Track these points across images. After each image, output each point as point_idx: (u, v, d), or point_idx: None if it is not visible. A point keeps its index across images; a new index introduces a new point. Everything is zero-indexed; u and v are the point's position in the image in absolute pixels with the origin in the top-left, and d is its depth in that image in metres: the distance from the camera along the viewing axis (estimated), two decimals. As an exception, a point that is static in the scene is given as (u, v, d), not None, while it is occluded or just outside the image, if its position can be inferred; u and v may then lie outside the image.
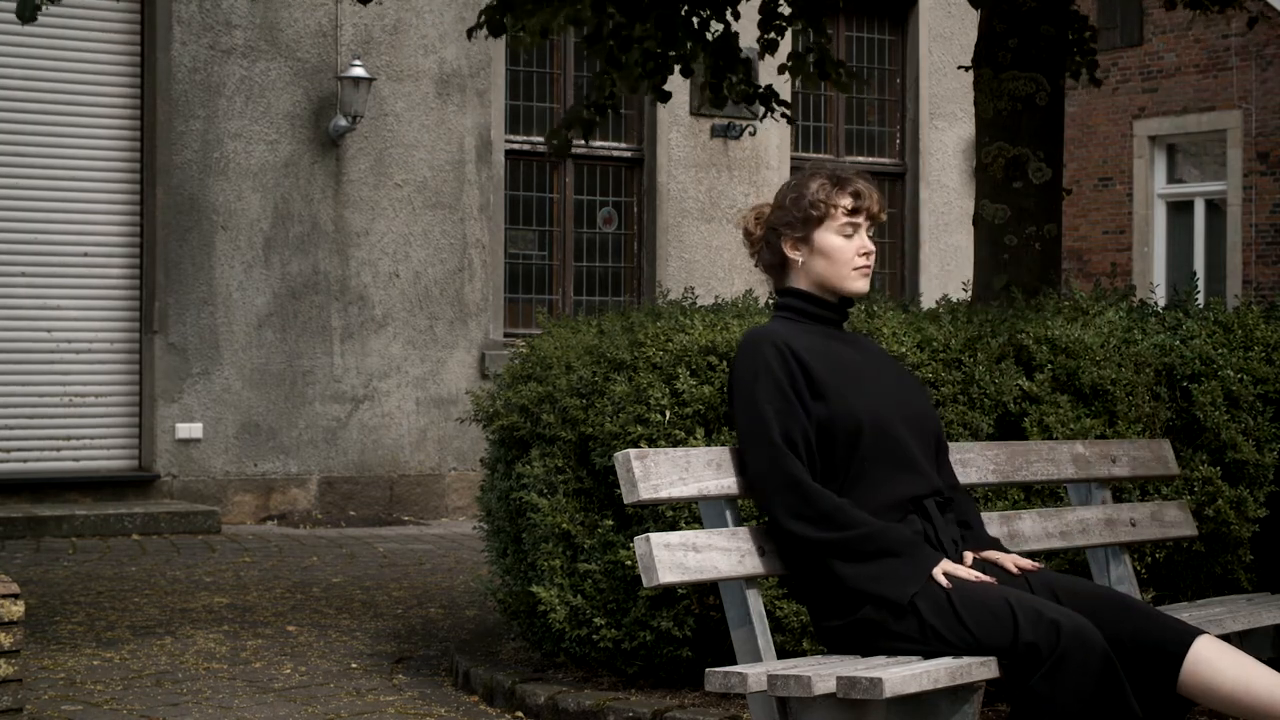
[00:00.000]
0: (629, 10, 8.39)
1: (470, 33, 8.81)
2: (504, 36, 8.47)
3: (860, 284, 4.31)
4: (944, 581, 4.04)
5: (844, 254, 4.28)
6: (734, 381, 4.22)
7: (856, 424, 4.15)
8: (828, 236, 4.29)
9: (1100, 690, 3.86)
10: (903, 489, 4.19)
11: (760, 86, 9.06)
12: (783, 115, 9.32)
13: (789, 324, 4.30)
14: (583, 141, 9.12)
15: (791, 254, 4.33)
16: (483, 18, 8.47)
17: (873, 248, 4.32)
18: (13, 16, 11.67)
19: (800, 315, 4.32)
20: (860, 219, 4.30)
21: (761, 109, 9.18)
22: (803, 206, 4.30)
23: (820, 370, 4.18)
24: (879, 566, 4.05)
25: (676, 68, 8.69)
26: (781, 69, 9.13)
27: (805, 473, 4.11)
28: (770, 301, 6.60)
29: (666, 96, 8.96)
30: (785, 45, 9.31)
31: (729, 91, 8.94)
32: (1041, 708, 3.86)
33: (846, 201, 4.29)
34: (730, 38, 8.80)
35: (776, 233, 4.35)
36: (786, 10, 8.99)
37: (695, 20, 8.62)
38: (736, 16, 8.85)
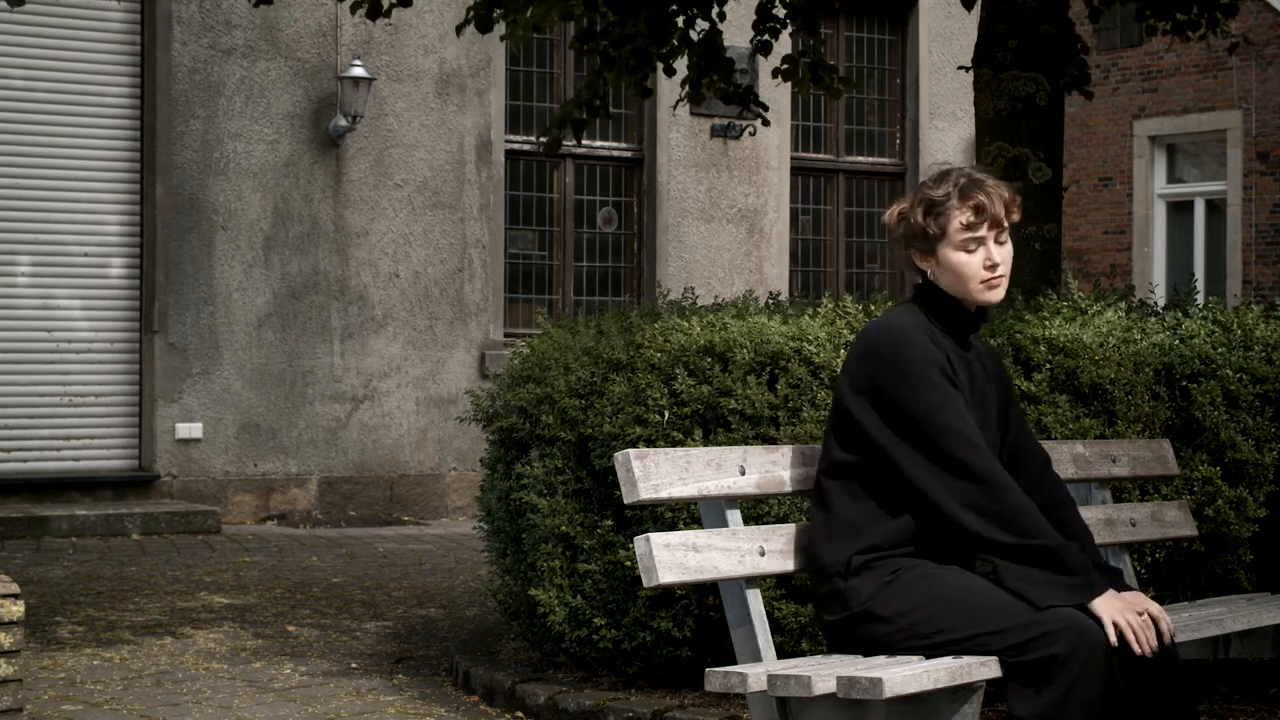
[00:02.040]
0: (620, 9, 8.40)
1: (459, 29, 8.75)
2: (497, 33, 8.39)
3: (990, 295, 4.20)
4: (1113, 636, 3.91)
5: (968, 269, 4.18)
6: (897, 371, 4.08)
7: None
8: (949, 253, 4.19)
9: (1103, 700, 3.87)
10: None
11: (740, 86, 9.05)
12: (758, 116, 9.31)
13: (918, 317, 4.22)
14: (573, 141, 9.13)
15: (921, 264, 4.26)
16: (470, 14, 8.39)
17: (1000, 259, 4.19)
18: (14, 16, 11.73)
19: (931, 313, 4.24)
20: (983, 231, 4.18)
21: (739, 109, 9.22)
22: (925, 223, 4.21)
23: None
24: (1043, 576, 3.98)
25: (660, 65, 8.70)
26: (775, 73, 9.13)
27: (996, 463, 4.07)
28: (771, 301, 6.62)
29: (648, 93, 9.00)
30: (784, 48, 9.31)
31: (708, 89, 8.95)
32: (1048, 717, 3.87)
33: (966, 217, 4.17)
34: (715, 36, 8.82)
35: (904, 245, 4.29)
36: (782, 13, 8.99)
37: (682, 19, 8.63)
38: (722, 17, 8.87)
